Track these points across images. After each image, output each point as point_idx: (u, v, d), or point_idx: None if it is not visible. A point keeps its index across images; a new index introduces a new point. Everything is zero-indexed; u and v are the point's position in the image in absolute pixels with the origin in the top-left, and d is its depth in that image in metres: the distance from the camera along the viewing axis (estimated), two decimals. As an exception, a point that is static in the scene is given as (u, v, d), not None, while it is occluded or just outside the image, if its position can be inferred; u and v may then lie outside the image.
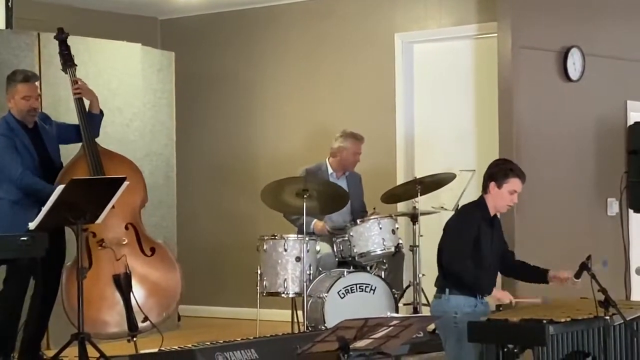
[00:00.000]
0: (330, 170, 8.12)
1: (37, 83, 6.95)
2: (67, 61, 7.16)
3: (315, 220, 7.87)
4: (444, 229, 6.11)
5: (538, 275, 6.15)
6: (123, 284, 6.86)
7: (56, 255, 6.74)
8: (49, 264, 6.65)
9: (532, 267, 6.20)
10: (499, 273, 6.25)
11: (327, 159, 8.17)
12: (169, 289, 7.15)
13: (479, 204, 6.05)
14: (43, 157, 6.90)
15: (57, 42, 7.22)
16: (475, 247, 5.89)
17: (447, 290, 5.91)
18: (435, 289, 6.02)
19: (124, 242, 6.99)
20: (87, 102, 7.16)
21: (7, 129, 6.78)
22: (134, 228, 7.09)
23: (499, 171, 6.02)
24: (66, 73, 7.17)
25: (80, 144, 7.10)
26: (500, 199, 5.99)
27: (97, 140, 7.24)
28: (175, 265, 7.21)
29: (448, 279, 5.93)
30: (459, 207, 6.28)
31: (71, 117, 7.26)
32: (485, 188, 6.04)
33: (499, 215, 6.14)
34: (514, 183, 5.99)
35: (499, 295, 5.92)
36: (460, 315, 5.80)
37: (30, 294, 6.83)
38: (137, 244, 7.07)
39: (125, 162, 7.23)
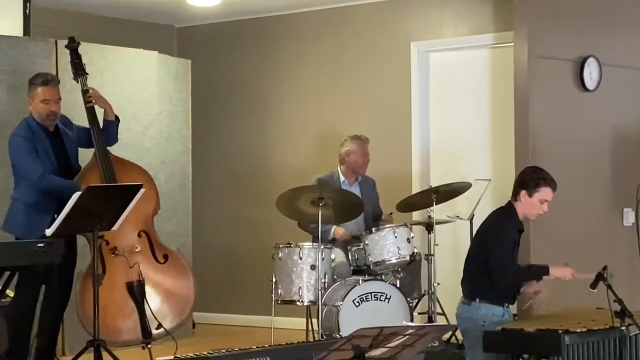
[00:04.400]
0: (342, 178, 8.10)
1: (57, 87, 6.98)
2: (78, 70, 7.18)
3: (334, 227, 7.87)
4: (478, 239, 6.11)
5: None
6: (137, 292, 6.87)
7: (67, 262, 6.74)
8: (60, 271, 6.68)
9: None
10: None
11: (338, 167, 8.16)
12: (182, 296, 7.15)
13: (510, 212, 6.04)
14: (62, 162, 6.92)
15: (68, 51, 7.25)
16: (514, 252, 5.93)
17: (477, 298, 5.91)
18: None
19: (137, 250, 7.01)
20: (101, 111, 7.17)
21: (28, 132, 6.81)
22: (147, 235, 7.10)
23: (531, 179, 6.02)
24: (77, 82, 7.19)
25: (91, 150, 7.12)
26: (531, 208, 6.00)
27: (113, 146, 7.27)
28: (188, 272, 7.22)
29: (478, 288, 5.94)
30: (491, 214, 6.24)
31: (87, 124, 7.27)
32: (515, 195, 6.03)
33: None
34: (545, 192, 5.99)
35: (559, 273, 5.93)
36: (488, 324, 5.80)
37: (39, 300, 6.87)
38: (150, 252, 7.08)
39: (138, 170, 7.24)
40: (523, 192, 5.99)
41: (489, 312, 5.89)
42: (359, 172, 8.13)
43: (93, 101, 7.07)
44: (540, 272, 5.97)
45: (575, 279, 5.94)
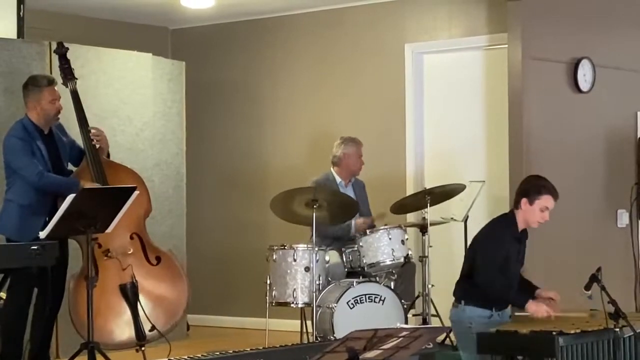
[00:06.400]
0: (338, 180, 8.11)
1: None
2: (68, 75, 7.18)
3: (353, 220, 7.88)
4: (474, 244, 6.11)
5: (528, 291, 6.11)
6: (130, 294, 6.86)
7: (60, 264, 6.73)
8: (53, 273, 6.67)
9: (526, 281, 6.21)
10: None
11: (331, 169, 8.15)
12: (175, 298, 7.14)
13: (510, 221, 6.04)
14: (55, 164, 6.93)
15: (57, 56, 7.25)
16: (505, 264, 5.91)
17: (462, 301, 5.92)
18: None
19: (130, 252, 7.00)
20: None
21: (24, 133, 6.82)
22: (139, 238, 7.09)
23: (532, 187, 6.02)
24: (67, 87, 7.19)
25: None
26: (532, 215, 6.00)
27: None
28: (181, 273, 7.21)
29: (466, 291, 5.96)
30: (489, 221, 6.24)
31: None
32: (516, 203, 6.04)
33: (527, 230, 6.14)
34: (546, 200, 5.98)
35: (534, 308, 5.86)
36: (475, 325, 5.81)
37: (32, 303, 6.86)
38: (142, 254, 7.08)
39: (129, 173, 7.23)
40: (524, 200, 5.99)
41: (473, 313, 5.90)
42: (355, 174, 8.14)
43: (96, 141, 7.07)
44: (516, 302, 5.95)
45: (551, 317, 5.86)
